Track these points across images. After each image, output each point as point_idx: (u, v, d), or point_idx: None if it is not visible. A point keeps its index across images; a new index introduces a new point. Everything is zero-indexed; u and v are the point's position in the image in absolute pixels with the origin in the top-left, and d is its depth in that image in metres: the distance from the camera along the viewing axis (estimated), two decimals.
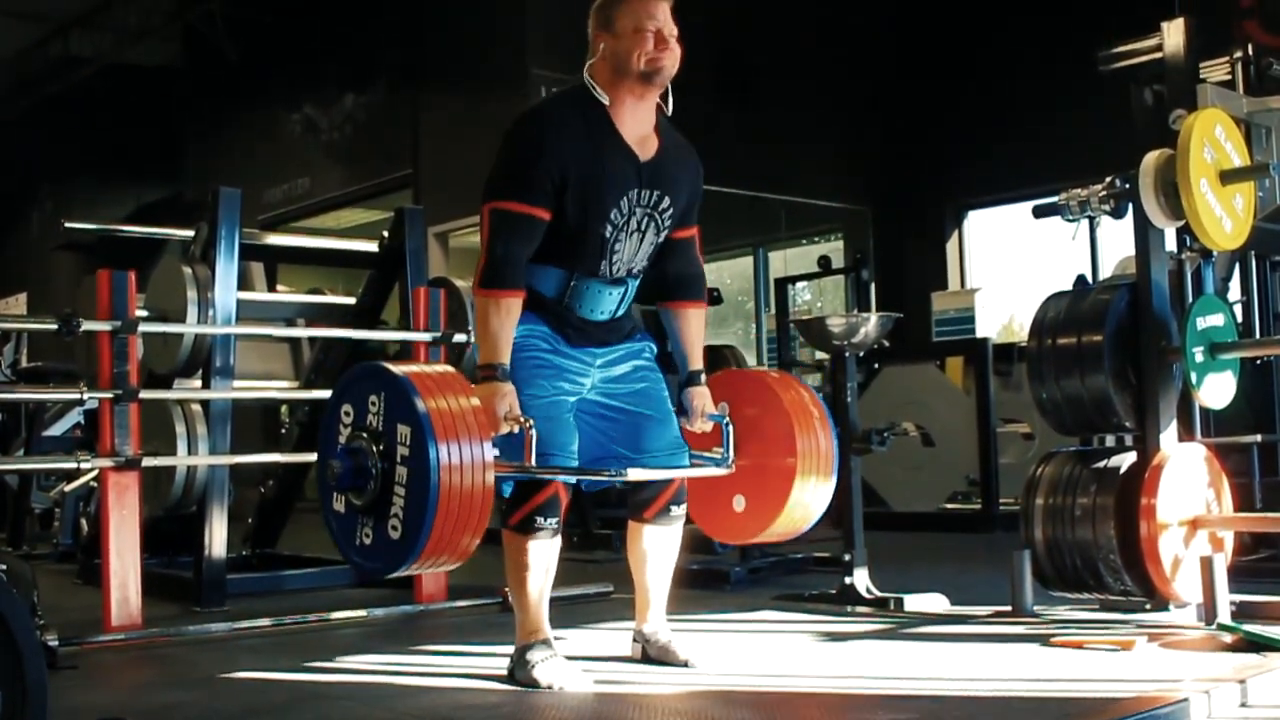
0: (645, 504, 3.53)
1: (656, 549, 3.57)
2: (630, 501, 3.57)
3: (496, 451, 3.08)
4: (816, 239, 13.13)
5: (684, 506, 3.56)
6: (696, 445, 3.63)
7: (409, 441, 2.93)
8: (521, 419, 3.17)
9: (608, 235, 3.34)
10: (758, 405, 3.67)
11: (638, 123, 3.36)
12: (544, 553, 3.33)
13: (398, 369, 3.05)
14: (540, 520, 3.30)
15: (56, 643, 3.81)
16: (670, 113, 3.46)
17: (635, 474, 3.39)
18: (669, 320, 3.63)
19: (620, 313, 3.49)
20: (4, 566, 3.79)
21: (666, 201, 3.41)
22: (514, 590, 3.39)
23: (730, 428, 3.55)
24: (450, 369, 3.19)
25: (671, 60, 3.30)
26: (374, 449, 3.01)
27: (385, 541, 3.01)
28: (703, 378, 3.63)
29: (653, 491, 3.52)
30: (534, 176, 3.24)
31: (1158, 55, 4.86)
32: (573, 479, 3.40)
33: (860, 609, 4.52)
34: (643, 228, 3.40)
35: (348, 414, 3.12)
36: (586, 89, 3.35)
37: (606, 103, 3.33)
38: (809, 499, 3.64)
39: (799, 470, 3.57)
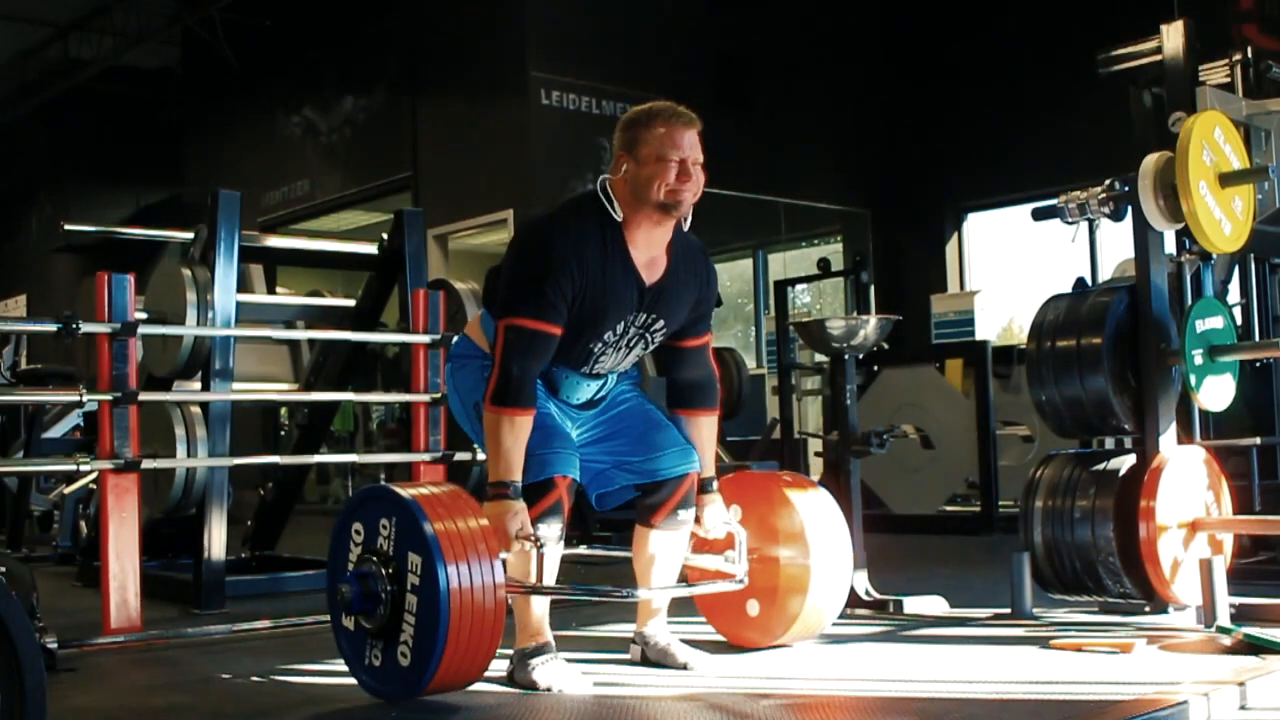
0: (654, 509, 3.54)
1: (663, 554, 3.58)
2: (639, 506, 3.58)
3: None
4: (816, 241, 13.14)
5: (692, 511, 3.57)
6: (706, 550, 3.66)
7: (420, 571, 2.97)
8: (532, 537, 3.19)
9: (595, 350, 3.38)
10: (767, 507, 3.70)
11: (650, 244, 3.35)
12: (546, 558, 3.33)
13: (407, 493, 3.07)
14: (543, 527, 3.30)
15: (56, 645, 3.81)
16: (687, 228, 3.43)
17: (643, 594, 3.48)
18: (680, 426, 3.61)
19: (600, 396, 3.54)
20: (3, 569, 3.79)
21: (661, 324, 3.43)
22: (515, 594, 3.39)
23: (744, 539, 3.57)
24: (458, 490, 3.20)
25: (693, 191, 3.29)
26: (384, 573, 3.05)
27: (395, 667, 3.06)
28: (715, 485, 3.64)
29: (663, 495, 3.52)
30: (551, 295, 3.22)
31: (1157, 58, 4.88)
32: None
33: (859, 611, 4.52)
34: (631, 344, 3.43)
35: (358, 533, 3.17)
36: (602, 203, 3.31)
37: (620, 220, 3.31)
38: (823, 603, 3.69)
39: (814, 574, 3.61)
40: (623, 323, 3.35)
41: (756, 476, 3.92)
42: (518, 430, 3.24)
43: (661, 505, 3.52)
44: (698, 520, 3.58)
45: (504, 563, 3.17)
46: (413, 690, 3.03)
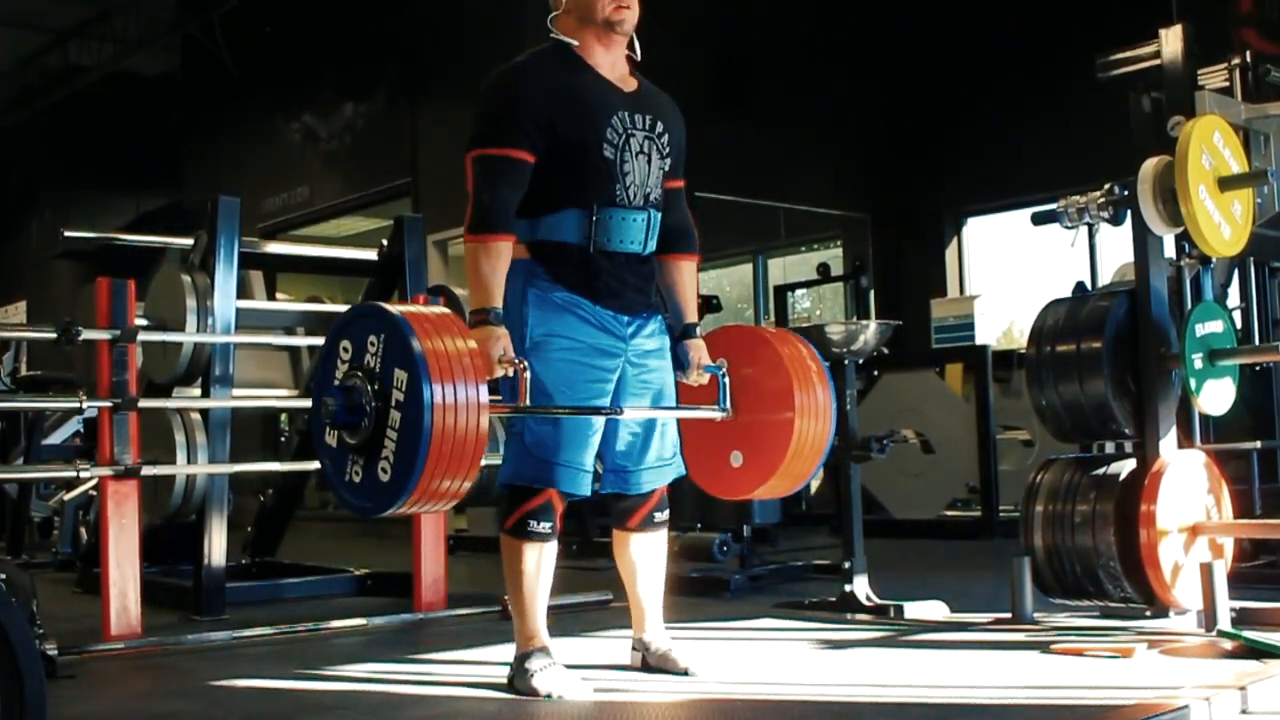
0: (629, 513, 3.54)
1: (644, 557, 3.57)
2: (614, 511, 3.58)
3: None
4: (815, 246, 13.14)
5: (667, 514, 3.58)
6: (691, 399, 3.64)
7: (405, 386, 2.94)
8: (515, 361, 3.19)
9: (611, 156, 3.36)
10: (755, 360, 3.65)
11: (610, 65, 3.45)
12: (539, 557, 3.33)
13: (396, 309, 3.06)
14: (534, 524, 3.30)
15: (55, 652, 3.80)
16: (639, 59, 3.51)
17: (631, 412, 3.42)
18: (662, 274, 3.61)
19: (650, 246, 3.48)
20: (3, 575, 3.78)
21: (661, 127, 3.47)
22: (511, 595, 3.39)
23: (726, 378, 3.56)
24: (447, 311, 3.19)
25: (632, 6, 3.40)
26: (369, 388, 3.01)
27: (374, 482, 3.01)
28: (698, 330, 3.65)
29: (636, 501, 3.53)
30: (511, 120, 3.31)
31: (1156, 62, 4.88)
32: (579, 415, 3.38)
33: (860, 616, 4.52)
34: (646, 150, 3.43)
35: (345, 350, 3.12)
36: (552, 38, 3.43)
37: (576, 44, 3.41)
38: (807, 454, 3.61)
39: (797, 425, 3.54)
40: (616, 119, 3.37)
41: (742, 329, 3.88)
42: (495, 257, 3.28)
43: (637, 510, 3.53)
44: (684, 367, 3.58)
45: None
46: (390, 505, 2.99)
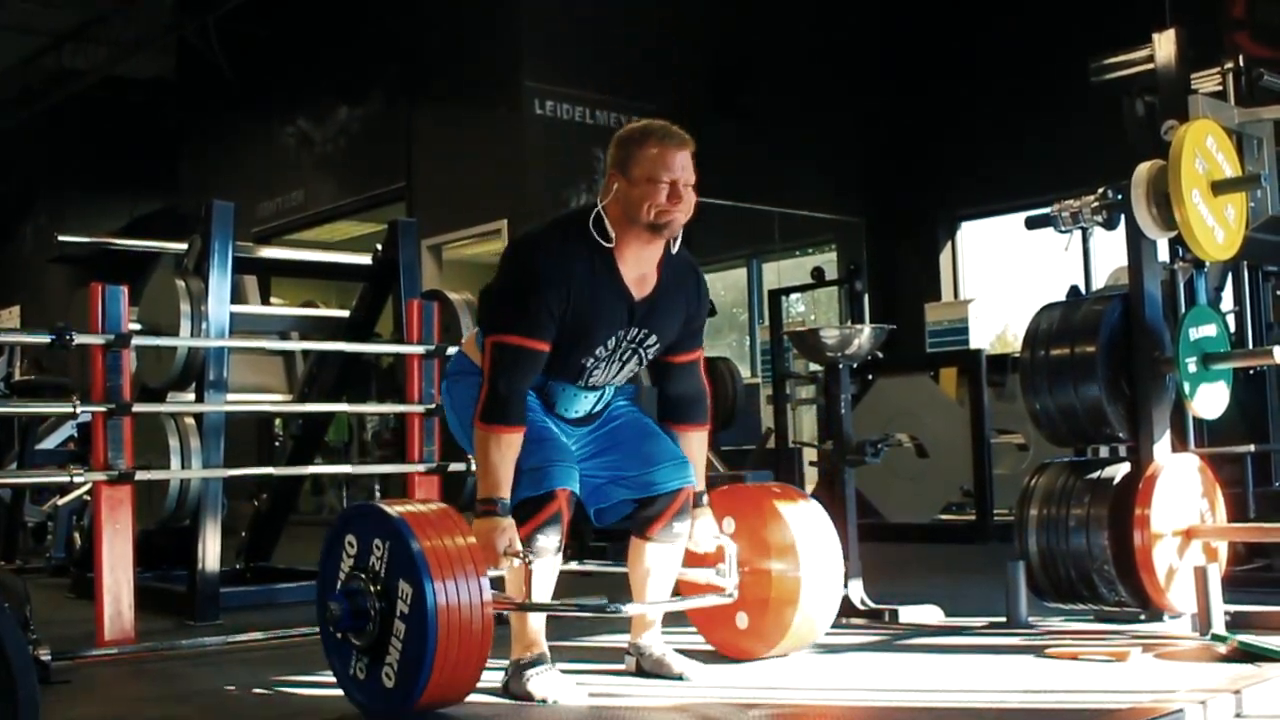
0: (649, 521, 3.53)
1: (659, 566, 3.57)
2: (634, 519, 3.58)
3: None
4: (810, 250, 13.15)
5: (687, 523, 3.56)
6: (697, 564, 3.65)
7: (410, 600, 2.97)
8: (520, 554, 3.19)
9: (588, 365, 3.39)
10: (759, 520, 3.69)
11: (639, 263, 3.37)
12: (543, 570, 3.33)
13: (397, 514, 3.07)
14: (541, 538, 3.30)
15: (49, 657, 3.79)
16: (676, 249, 3.44)
17: (632, 609, 3.47)
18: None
19: (596, 410, 3.55)
20: None
21: (653, 339, 3.44)
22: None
23: (734, 552, 3.56)
24: (447, 510, 3.21)
25: (683, 212, 3.31)
26: (372, 590, 3.06)
27: (379, 686, 3.07)
28: (706, 498, 3.64)
29: (659, 508, 3.52)
30: (540, 312, 3.25)
31: (1149, 66, 4.88)
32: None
33: (855, 620, 4.51)
34: (624, 359, 3.45)
35: (351, 545, 3.17)
36: (592, 223, 3.32)
37: (612, 244, 3.32)
38: (815, 616, 3.68)
39: (804, 589, 3.60)
40: (613, 338, 3.37)
41: (748, 489, 3.92)
42: (505, 447, 3.26)
43: (657, 518, 3.52)
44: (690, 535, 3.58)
45: (497, 577, 3.17)
46: (399, 708, 3.03)
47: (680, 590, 3.69)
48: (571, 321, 3.28)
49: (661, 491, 3.50)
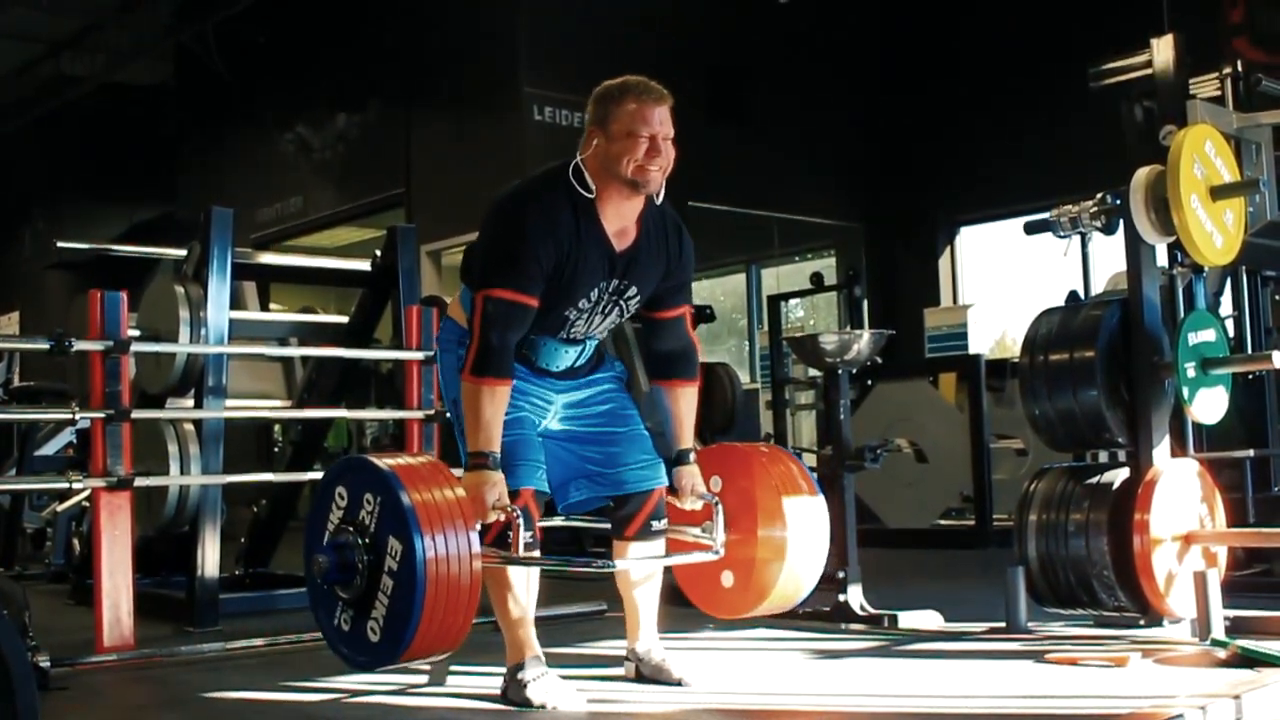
0: (626, 521, 3.54)
1: (641, 567, 3.56)
2: (611, 520, 3.58)
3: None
4: (809, 256, 13.15)
5: (664, 521, 3.57)
6: (685, 522, 3.64)
7: (399, 557, 2.96)
8: (509, 509, 3.19)
9: (571, 317, 3.39)
10: (747, 479, 3.67)
11: (620, 216, 3.37)
12: (521, 570, 3.32)
13: (387, 466, 3.06)
14: (510, 534, 3.29)
15: (48, 664, 3.79)
16: (660, 201, 3.44)
17: (621, 564, 3.46)
18: (660, 397, 3.64)
19: (579, 364, 3.54)
20: None
21: (633, 290, 3.44)
22: (497, 609, 3.38)
23: (720, 509, 3.55)
24: (437, 464, 3.21)
25: (661, 167, 3.31)
26: (361, 543, 3.05)
27: (363, 640, 3.07)
28: (692, 456, 3.63)
29: (633, 508, 3.52)
30: (530, 265, 3.25)
31: (1148, 71, 4.88)
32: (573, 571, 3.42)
33: (854, 626, 4.51)
34: (605, 310, 3.44)
35: (341, 497, 3.16)
36: (573, 175, 3.34)
37: (593, 195, 3.33)
38: (800, 574, 3.65)
39: (790, 546, 3.57)
40: (595, 290, 3.36)
41: (736, 449, 3.90)
42: (497, 400, 3.25)
43: (633, 517, 3.53)
44: (677, 492, 3.57)
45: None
46: (382, 663, 3.02)
47: (668, 548, 3.66)
48: (558, 275, 3.29)
49: (633, 491, 3.51)
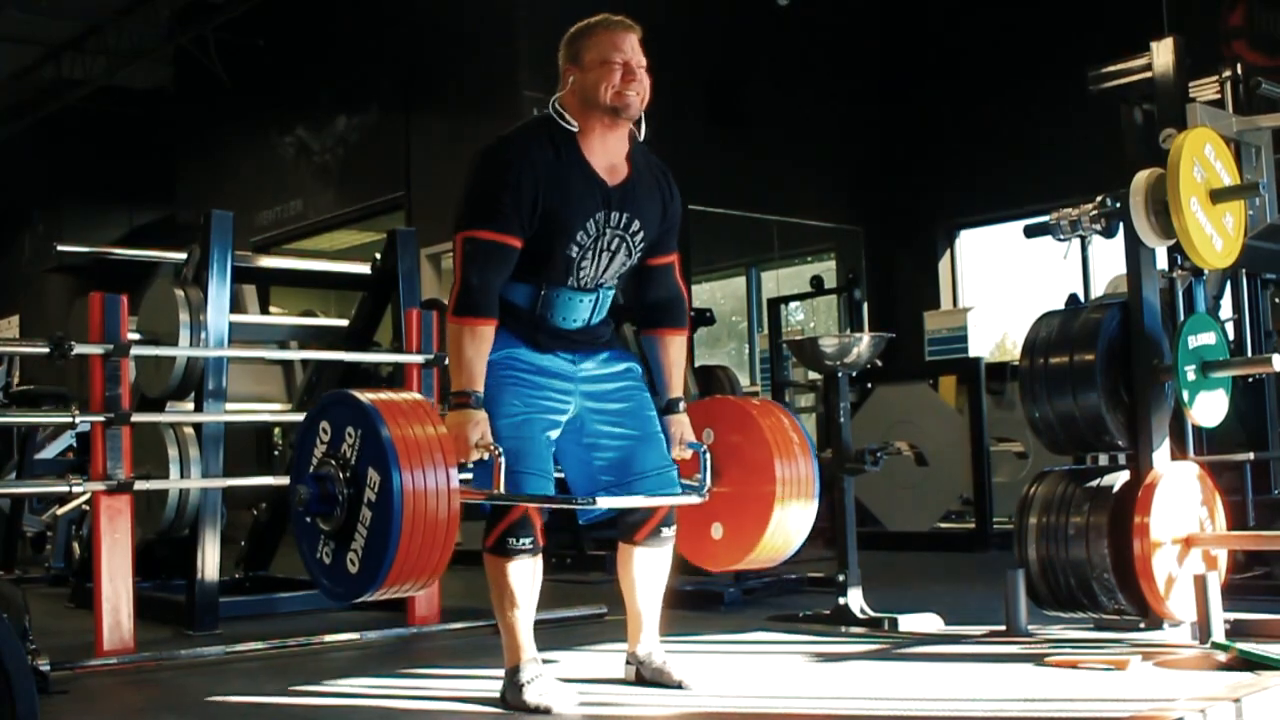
0: (636, 526, 3.53)
1: (648, 572, 3.57)
2: (620, 524, 3.57)
3: (467, 477, 3.15)
4: (809, 259, 13.15)
5: (674, 528, 3.56)
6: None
7: (378, 488, 2.96)
8: (492, 447, 3.19)
9: (574, 255, 3.37)
10: (738, 432, 3.65)
11: (607, 151, 3.39)
12: (522, 573, 3.32)
13: (368, 399, 3.06)
14: (513, 541, 3.29)
15: (48, 667, 3.79)
16: (643, 138, 3.48)
17: (605, 501, 3.41)
18: (649, 347, 3.65)
19: (595, 320, 3.51)
20: None
21: (637, 225, 3.43)
22: (498, 612, 3.38)
23: (708, 456, 3.54)
24: (420, 399, 3.19)
25: (639, 92, 3.34)
26: (341, 476, 3.05)
27: (343, 571, 3.06)
28: (682, 405, 3.63)
29: (643, 514, 3.52)
30: (505, 205, 3.27)
31: (1147, 75, 4.88)
32: (550, 506, 3.39)
33: (854, 629, 4.51)
34: (613, 248, 3.42)
35: (325, 432, 3.15)
36: (554, 118, 3.38)
37: (575, 130, 3.36)
38: (789, 527, 3.62)
39: (778, 498, 3.55)
40: (591, 223, 3.35)
41: (729, 402, 3.88)
42: (479, 340, 3.27)
43: (644, 523, 3.52)
44: (668, 441, 3.55)
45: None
46: (359, 594, 3.03)
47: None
48: (545, 211, 3.29)
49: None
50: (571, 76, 3.38)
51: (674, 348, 3.63)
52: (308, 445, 3.18)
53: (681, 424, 3.60)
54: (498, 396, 3.33)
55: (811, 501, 3.64)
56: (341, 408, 3.13)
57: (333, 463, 3.08)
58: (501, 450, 3.20)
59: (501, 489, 3.20)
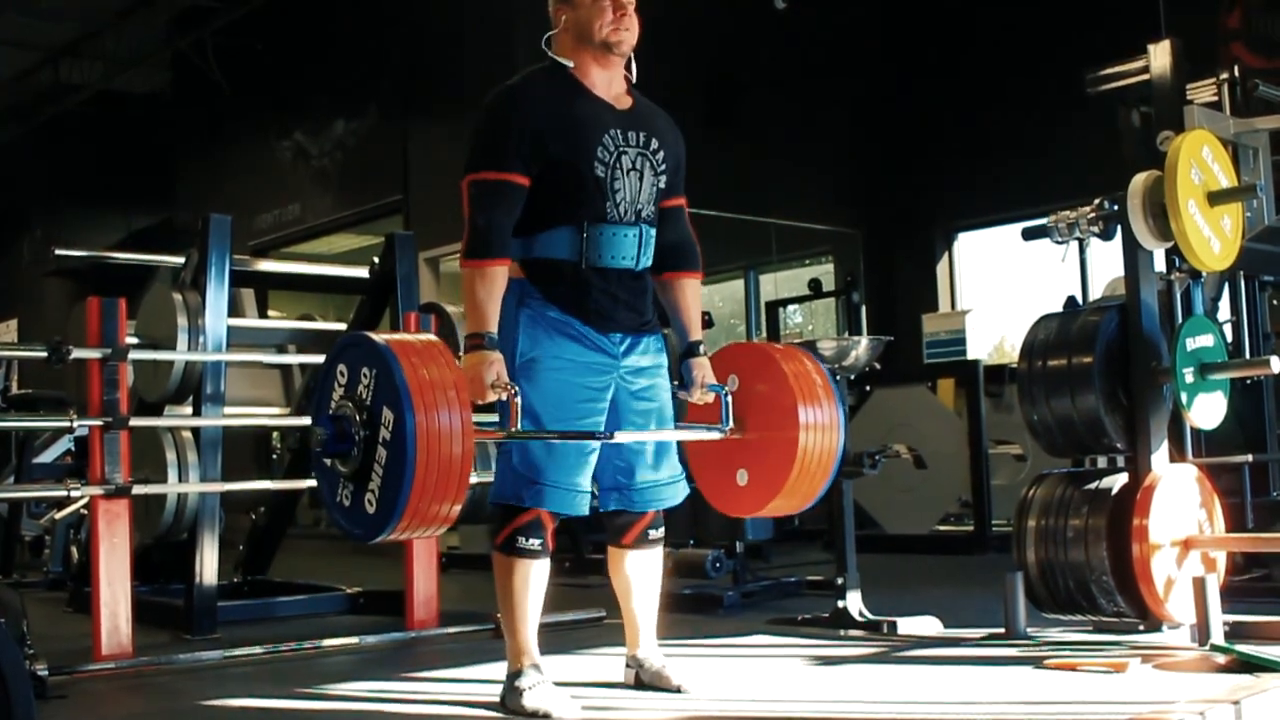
0: (623, 530, 3.54)
1: (639, 575, 3.57)
2: (609, 528, 3.57)
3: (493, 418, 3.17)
4: (807, 262, 13.14)
5: (662, 530, 3.57)
6: (697, 417, 3.62)
7: (391, 426, 2.96)
8: (508, 386, 3.18)
9: (601, 175, 3.36)
10: (761, 379, 3.61)
11: (606, 84, 3.45)
12: (530, 574, 3.32)
13: (382, 339, 3.08)
14: (523, 541, 3.29)
15: (46, 672, 3.79)
16: (634, 80, 3.52)
17: (622, 436, 3.40)
18: (665, 293, 3.62)
19: (643, 262, 3.46)
20: None
21: (655, 143, 3.46)
22: (503, 612, 3.38)
23: (729, 398, 3.52)
24: (434, 340, 3.18)
25: (630, 28, 3.40)
26: (358, 418, 3.04)
27: (362, 512, 3.05)
28: (703, 348, 3.62)
29: (630, 518, 3.52)
30: (506, 144, 3.33)
31: (1145, 77, 4.90)
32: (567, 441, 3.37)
33: (853, 632, 4.51)
34: (639, 166, 3.42)
35: (342, 375, 3.15)
36: (549, 59, 3.45)
37: (572, 66, 3.42)
38: (813, 471, 3.57)
39: (801, 443, 3.50)
40: (608, 137, 3.37)
41: (752, 347, 3.87)
42: (489, 281, 3.28)
43: (631, 526, 3.53)
44: (689, 385, 3.55)
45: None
46: (378, 534, 3.03)
47: (683, 448, 3.65)
48: (557, 136, 3.32)
49: (643, 510, 3.51)
50: (564, 16, 3.43)
51: (690, 290, 3.63)
52: (326, 388, 3.18)
53: (703, 367, 3.58)
54: (555, 394, 3.31)
55: (837, 445, 3.60)
56: (357, 349, 3.13)
57: (350, 404, 3.07)
58: (517, 389, 3.19)
59: (517, 426, 3.19)
